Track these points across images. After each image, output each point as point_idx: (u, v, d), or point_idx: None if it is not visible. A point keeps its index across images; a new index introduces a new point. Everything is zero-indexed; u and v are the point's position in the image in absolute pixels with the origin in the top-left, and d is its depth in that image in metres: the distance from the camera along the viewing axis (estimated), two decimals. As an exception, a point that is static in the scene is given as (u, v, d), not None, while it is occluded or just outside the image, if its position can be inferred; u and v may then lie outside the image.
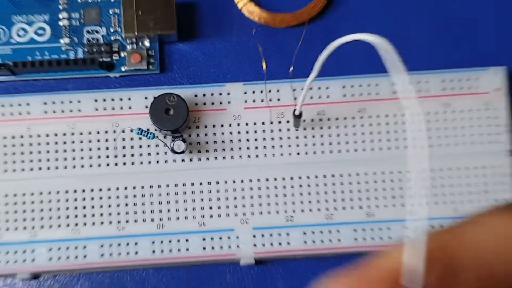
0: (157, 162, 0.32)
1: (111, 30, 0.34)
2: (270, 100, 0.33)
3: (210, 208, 0.32)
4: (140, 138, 0.32)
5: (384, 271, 0.18)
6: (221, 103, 0.33)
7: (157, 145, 0.33)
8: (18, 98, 0.33)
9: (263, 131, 0.33)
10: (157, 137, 0.32)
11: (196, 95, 0.33)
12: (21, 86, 0.34)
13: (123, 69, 0.34)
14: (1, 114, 0.32)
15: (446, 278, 0.17)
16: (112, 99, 0.33)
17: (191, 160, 0.33)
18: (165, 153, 0.32)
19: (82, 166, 0.32)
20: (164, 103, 0.32)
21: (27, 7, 0.34)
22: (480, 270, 0.17)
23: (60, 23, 0.34)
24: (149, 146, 0.33)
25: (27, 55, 0.33)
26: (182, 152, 0.31)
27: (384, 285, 0.18)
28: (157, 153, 0.33)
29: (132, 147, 0.33)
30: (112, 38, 0.34)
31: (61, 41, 0.34)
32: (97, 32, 0.34)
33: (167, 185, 0.32)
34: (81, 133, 0.33)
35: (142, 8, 0.33)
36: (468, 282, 0.17)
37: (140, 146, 0.33)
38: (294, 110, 0.31)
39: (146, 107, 0.33)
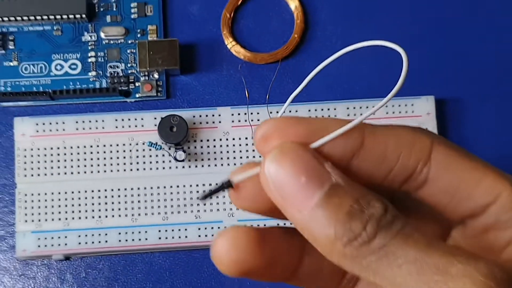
0: (163, 168, 0.41)
1: (129, 65, 0.43)
2: (252, 120, 0.42)
3: (204, 204, 0.41)
4: (150, 149, 0.41)
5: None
6: (213, 122, 0.42)
7: (163, 155, 0.41)
8: (55, 118, 0.42)
9: (246, 144, 0.42)
10: (163, 148, 0.41)
11: (194, 116, 0.42)
12: (58, 108, 0.43)
13: (137, 95, 0.43)
14: (42, 130, 0.42)
15: None
16: (129, 119, 0.42)
17: (189, 166, 0.41)
18: (169, 161, 0.41)
19: (105, 171, 0.41)
20: (169, 122, 0.41)
21: (64, 47, 0.43)
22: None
23: (89, 60, 0.43)
24: (156, 155, 0.41)
25: (63, 85, 0.43)
26: (183, 160, 0.40)
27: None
28: (163, 161, 0.41)
29: (143, 156, 0.42)
30: (129, 72, 0.43)
31: (89, 73, 0.43)
32: (117, 67, 0.43)
33: (171, 186, 0.41)
34: (104, 145, 0.42)
35: (153, 49, 0.42)
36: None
37: (150, 156, 0.42)
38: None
39: (155, 125, 0.41)
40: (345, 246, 0.18)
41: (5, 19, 0.42)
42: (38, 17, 0.42)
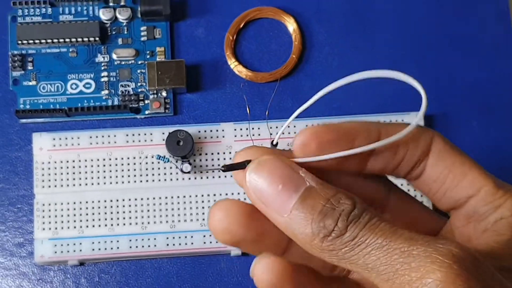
0: (170, 179, 0.44)
1: (139, 84, 0.46)
2: (253, 135, 0.45)
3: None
4: (158, 162, 0.45)
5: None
6: (217, 137, 0.45)
7: (170, 167, 0.45)
8: (71, 133, 0.45)
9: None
10: (170, 161, 0.44)
11: (199, 131, 0.45)
12: (73, 124, 0.46)
13: (146, 112, 0.46)
14: (58, 145, 0.45)
15: None
16: (139, 134, 0.45)
17: (195, 178, 0.45)
18: (176, 173, 0.45)
19: (116, 183, 0.44)
20: (176, 137, 0.44)
21: (78, 68, 0.46)
22: None
23: (102, 79, 0.46)
24: (164, 168, 0.45)
25: (78, 102, 0.46)
26: (189, 172, 0.44)
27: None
28: (171, 173, 0.45)
29: (152, 168, 0.45)
30: (139, 90, 0.46)
31: (102, 92, 0.46)
32: (128, 86, 0.46)
33: (178, 196, 0.44)
34: (116, 159, 0.45)
35: (161, 69, 0.45)
36: None
37: (158, 168, 0.45)
38: (272, 140, 0.43)
39: (163, 140, 0.45)
40: (322, 242, 0.20)
41: (25, 42, 0.45)
42: (55, 40, 0.46)
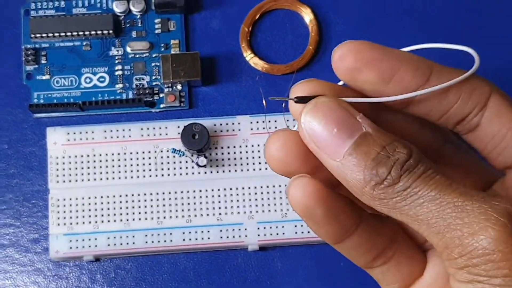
0: (186, 173, 0.44)
1: (153, 77, 0.46)
2: (270, 128, 0.44)
3: (225, 207, 0.43)
4: (173, 156, 0.44)
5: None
6: (233, 130, 0.44)
7: (186, 161, 0.44)
8: (85, 127, 0.44)
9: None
10: (186, 155, 0.43)
11: (215, 124, 0.44)
12: (87, 119, 0.45)
13: (161, 106, 0.45)
14: (73, 139, 0.44)
15: None
16: (154, 128, 0.44)
17: (211, 172, 0.44)
18: (192, 167, 0.44)
19: (132, 177, 0.44)
20: (191, 130, 0.43)
21: (92, 61, 0.46)
22: None
23: (116, 73, 0.46)
24: (180, 162, 0.44)
25: (92, 96, 0.45)
26: (204, 166, 0.43)
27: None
28: (186, 167, 0.44)
29: (168, 162, 0.44)
30: (154, 83, 0.46)
31: (117, 86, 0.46)
32: (142, 79, 0.46)
33: (194, 191, 0.44)
34: (131, 153, 0.44)
35: (176, 62, 0.45)
36: None
37: (174, 162, 0.44)
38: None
39: (178, 133, 0.44)
40: (373, 189, 0.20)
41: (38, 35, 0.45)
42: (69, 34, 0.45)
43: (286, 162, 0.22)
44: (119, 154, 0.44)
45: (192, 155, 0.44)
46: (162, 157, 0.44)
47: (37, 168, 0.45)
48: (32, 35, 0.45)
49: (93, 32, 0.45)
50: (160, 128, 0.44)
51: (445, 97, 0.22)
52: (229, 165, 0.44)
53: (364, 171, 0.20)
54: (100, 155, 0.44)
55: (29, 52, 0.45)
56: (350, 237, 0.22)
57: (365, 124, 0.21)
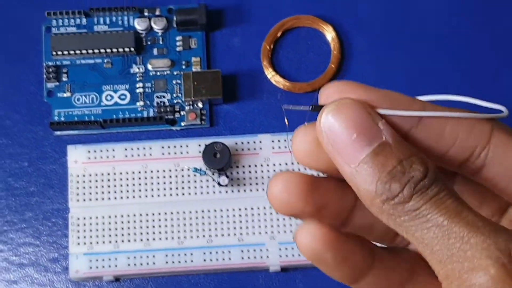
0: (207, 192, 0.43)
1: (174, 95, 0.45)
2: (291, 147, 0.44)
3: (247, 227, 0.43)
4: (195, 175, 0.43)
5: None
6: (254, 149, 0.44)
7: (207, 180, 0.44)
8: (106, 145, 0.44)
9: (287, 170, 0.44)
10: (207, 174, 0.43)
11: (236, 143, 0.44)
12: (108, 136, 0.45)
13: (182, 124, 0.45)
14: (93, 157, 0.44)
15: None
16: (175, 146, 0.44)
17: (232, 191, 0.43)
18: (213, 186, 0.43)
19: (152, 196, 0.43)
20: (212, 149, 0.43)
21: (113, 79, 0.46)
22: None
23: (137, 90, 0.46)
24: (201, 181, 0.44)
25: (113, 114, 0.45)
26: (226, 185, 0.42)
27: None
28: (207, 186, 0.43)
29: (189, 181, 0.44)
30: (175, 101, 0.45)
31: (138, 103, 0.45)
32: (163, 97, 0.45)
33: (215, 210, 0.43)
34: (152, 171, 0.44)
35: (197, 80, 0.44)
36: None
37: (195, 181, 0.44)
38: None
39: (199, 152, 0.44)
40: (383, 203, 0.20)
41: (60, 53, 0.45)
42: (90, 51, 0.45)
43: (290, 203, 0.22)
44: (139, 172, 0.44)
45: (213, 174, 0.43)
46: (183, 176, 0.44)
47: (57, 186, 0.44)
48: (54, 52, 0.45)
49: (114, 50, 0.45)
50: (181, 146, 0.44)
51: (441, 137, 0.21)
52: (251, 184, 0.43)
53: (377, 183, 0.20)
54: (121, 173, 0.44)
55: (50, 70, 0.45)
56: (365, 277, 0.22)
57: (386, 133, 0.20)
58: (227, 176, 0.42)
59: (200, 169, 0.43)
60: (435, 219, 0.19)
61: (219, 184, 0.42)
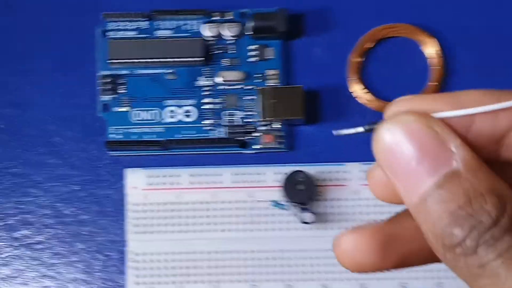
0: (287, 229, 0.38)
1: (247, 113, 0.40)
2: (384, 178, 0.38)
3: (332, 272, 0.37)
4: (273, 209, 0.38)
5: None
6: (342, 179, 0.38)
7: (286, 215, 0.38)
8: (169, 170, 0.38)
9: (380, 205, 0.38)
10: (288, 208, 0.37)
11: (319, 172, 0.38)
12: (170, 159, 0.39)
13: (256, 147, 0.39)
14: (155, 183, 0.38)
15: None
16: (249, 173, 0.38)
17: (316, 228, 0.38)
18: (293, 221, 0.38)
19: (222, 230, 0.38)
20: (294, 180, 0.37)
21: (178, 92, 0.40)
22: None
23: (205, 106, 0.40)
24: (279, 215, 0.38)
25: (176, 133, 0.39)
26: (311, 222, 0.37)
27: None
28: (287, 221, 0.38)
29: (265, 215, 0.38)
30: (248, 120, 0.39)
31: (205, 122, 0.39)
32: (235, 115, 0.40)
33: (295, 250, 0.37)
34: (222, 202, 0.38)
35: (275, 97, 0.38)
36: None
37: (272, 215, 0.38)
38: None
39: (276, 181, 0.38)
40: (442, 248, 0.16)
41: (117, 61, 0.39)
42: (151, 60, 0.39)
43: (361, 265, 0.19)
44: (207, 202, 0.38)
45: (293, 208, 0.37)
46: (257, 209, 0.38)
47: (113, 215, 0.39)
48: (110, 60, 0.39)
49: (179, 59, 0.39)
50: (257, 174, 0.38)
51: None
52: (337, 221, 0.38)
53: (438, 223, 0.16)
54: (186, 203, 0.38)
55: (106, 80, 0.39)
56: None
57: (459, 158, 0.16)
58: (312, 212, 0.37)
59: (281, 203, 0.37)
60: (502, 283, 0.15)
61: (302, 221, 0.37)
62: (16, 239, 0.38)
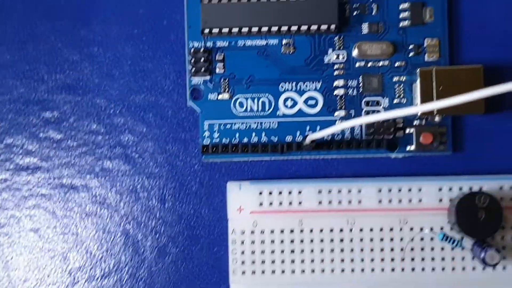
0: (460, 272, 0.27)
1: (396, 102, 0.28)
2: None
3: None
4: (442, 243, 0.27)
5: None
6: (535, 199, 0.27)
7: (452, 249, 0.27)
8: (289, 184, 0.27)
9: None
10: (463, 245, 0.26)
11: (501, 188, 0.27)
12: (289, 167, 0.28)
13: (408, 149, 0.28)
14: (268, 203, 0.27)
15: None
16: (399, 190, 0.27)
17: (504, 268, 0.26)
18: (469, 261, 0.26)
19: (362, 270, 0.27)
20: (472, 204, 0.26)
21: (297, 72, 0.28)
22: None
23: (335, 92, 0.28)
24: (442, 249, 0.27)
25: (297, 130, 0.28)
26: (496, 264, 0.25)
27: None
28: (459, 261, 0.27)
29: (422, 249, 0.27)
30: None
31: (336, 113, 0.28)
32: (378, 103, 0.28)
33: (470, 300, 0.26)
34: (361, 230, 0.27)
35: (442, 81, 0.27)
36: None
37: (432, 249, 0.27)
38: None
39: (440, 200, 0.27)
40: None
41: (213, 30, 0.28)
42: (260, 28, 0.28)
43: None
44: (342, 230, 0.27)
45: (469, 241, 0.26)
46: (412, 240, 0.27)
47: (208, 247, 0.28)
48: (204, 30, 0.28)
49: (299, 25, 0.27)
50: (409, 190, 0.27)
51: None
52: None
53: None
54: (311, 230, 0.27)
55: (198, 56, 0.28)
56: None
57: None
58: (497, 251, 0.25)
59: (454, 239, 0.26)
60: None
61: (483, 261, 0.25)
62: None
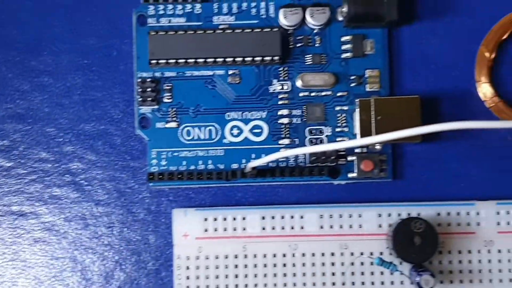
0: (396, 296, 0.28)
1: (338, 130, 0.29)
2: (533, 226, 0.27)
3: None
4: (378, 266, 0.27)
5: None
6: (468, 224, 0.28)
7: (391, 273, 0.27)
8: (233, 211, 0.28)
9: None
10: (398, 270, 0.27)
11: (439, 214, 0.28)
12: (233, 195, 0.29)
13: (349, 176, 0.29)
14: (213, 229, 0.28)
15: None
16: (340, 215, 0.28)
17: (436, 294, 0.27)
18: (402, 282, 0.27)
19: (307, 294, 0.28)
20: (408, 231, 0.27)
21: (243, 102, 0.29)
22: None
23: (279, 121, 0.29)
24: (382, 273, 0.28)
25: (242, 158, 0.29)
26: (430, 288, 0.26)
27: None
28: (393, 282, 0.28)
29: (362, 273, 0.28)
30: (338, 140, 0.29)
31: (280, 142, 0.29)
32: (321, 132, 0.29)
33: (407, 323, 0.27)
34: (303, 255, 0.28)
35: (381, 111, 0.28)
36: None
37: (372, 273, 0.28)
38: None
39: (379, 226, 0.28)
40: None
41: (160, 60, 0.28)
42: (207, 59, 0.28)
43: None
44: (284, 255, 0.28)
45: (401, 264, 0.27)
46: (352, 264, 0.28)
47: (154, 273, 0.29)
48: (152, 60, 0.28)
49: (245, 57, 0.28)
50: (350, 216, 0.28)
51: None
52: (461, 281, 0.27)
53: None
54: (255, 255, 0.28)
55: (146, 86, 0.29)
56: None
57: None
58: (432, 275, 0.26)
59: (390, 263, 0.27)
60: None
61: (418, 285, 0.26)
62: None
